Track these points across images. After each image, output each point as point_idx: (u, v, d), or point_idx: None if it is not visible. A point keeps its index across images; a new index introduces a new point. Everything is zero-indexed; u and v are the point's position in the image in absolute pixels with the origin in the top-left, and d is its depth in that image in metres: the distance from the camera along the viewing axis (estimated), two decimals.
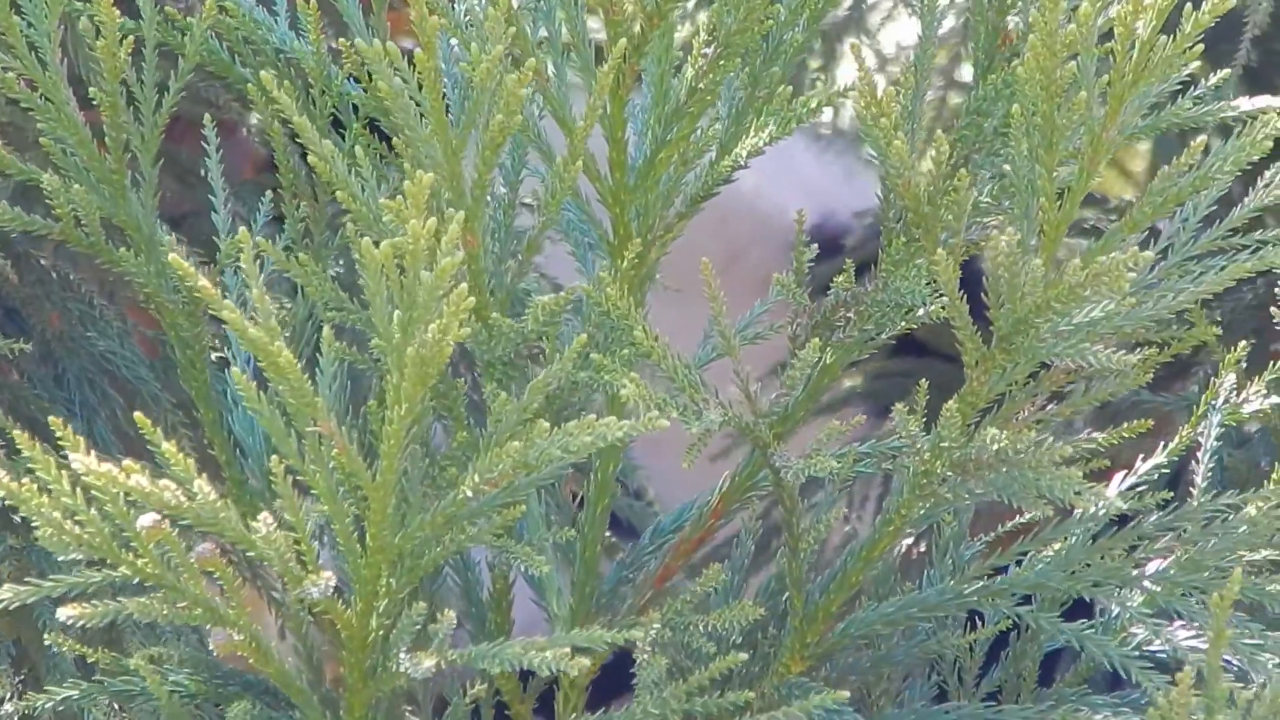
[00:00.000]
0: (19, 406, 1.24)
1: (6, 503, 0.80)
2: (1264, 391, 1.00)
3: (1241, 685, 0.85)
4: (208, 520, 0.81)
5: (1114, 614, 0.96)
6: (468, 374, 1.09)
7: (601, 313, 0.93)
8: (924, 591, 0.98)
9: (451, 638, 0.86)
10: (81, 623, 0.83)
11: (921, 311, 0.97)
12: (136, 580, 0.83)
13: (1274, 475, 0.96)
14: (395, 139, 0.90)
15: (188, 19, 1.00)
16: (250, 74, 1.00)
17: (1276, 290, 1.02)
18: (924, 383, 0.95)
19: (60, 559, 0.82)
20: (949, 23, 1.70)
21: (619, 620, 0.99)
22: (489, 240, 0.94)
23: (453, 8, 0.94)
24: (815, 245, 1.02)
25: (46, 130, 0.97)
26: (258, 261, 0.94)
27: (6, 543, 1.16)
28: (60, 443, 0.81)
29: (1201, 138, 0.88)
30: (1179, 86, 0.91)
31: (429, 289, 0.79)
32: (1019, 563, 0.98)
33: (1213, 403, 1.00)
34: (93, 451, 0.81)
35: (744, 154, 0.96)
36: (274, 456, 0.83)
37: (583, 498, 1.01)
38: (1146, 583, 0.95)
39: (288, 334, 1.02)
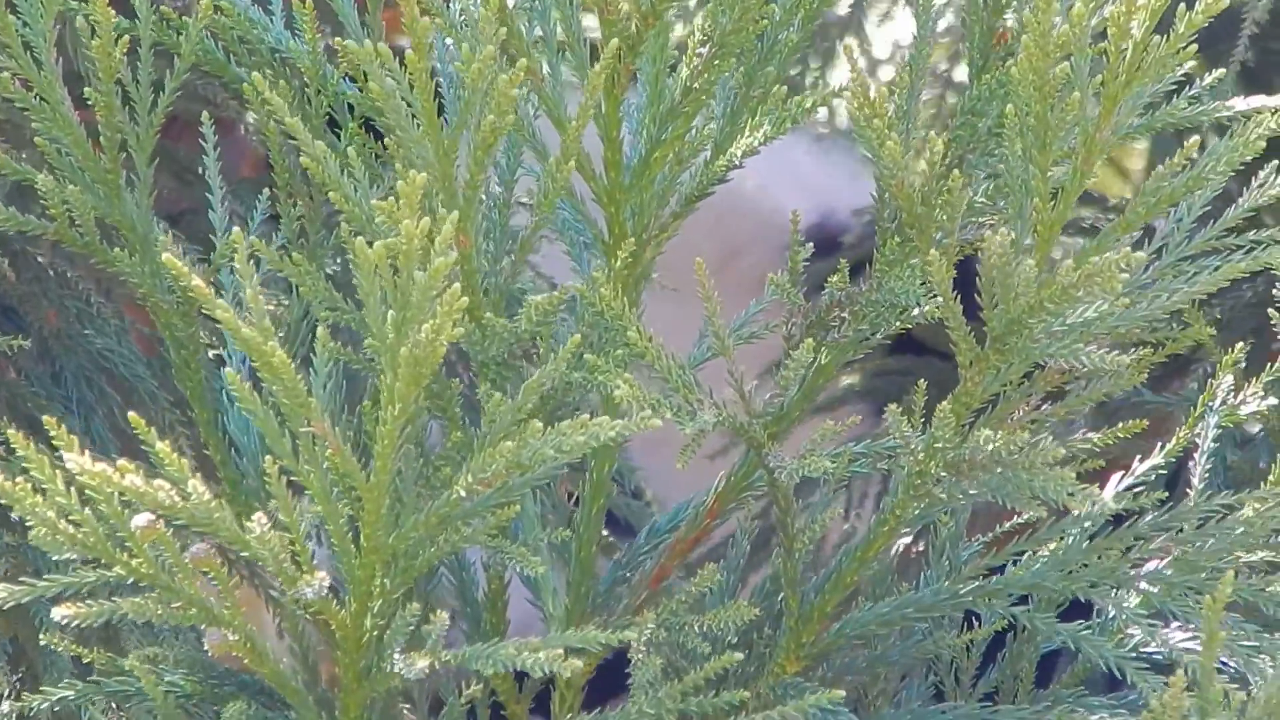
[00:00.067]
0: (16, 404, 1.24)
1: (1, 501, 0.80)
2: (1261, 393, 0.99)
3: (1238, 686, 0.85)
4: (202, 520, 0.81)
5: (1110, 614, 0.96)
6: (464, 374, 1.09)
7: (596, 313, 0.93)
8: (920, 592, 0.98)
9: (447, 638, 0.86)
10: (76, 622, 0.83)
11: (916, 311, 0.97)
12: (131, 580, 0.83)
13: (1271, 476, 0.96)
14: (387, 139, 0.90)
15: (183, 18, 1.00)
16: (246, 74, 1.00)
17: (1275, 290, 1.02)
18: (922, 382, 0.95)
19: (56, 558, 0.83)
20: (947, 21, 1.71)
21: (614, 621, 0.99)
22: (483, 240, 0.94)
23: (447, 7, 0.94)
24: (812, 245, 1.02)
25: (41, 130, 0.97)
26: (253, 261, 0.94)
27: (3, 539, 1.16)
28: (54, 442, 0.81)
29: (1195, 138, 0.87)
30: (1174, 86, 0.91)
31: (422, 289, 0.79)
32: (1015, 563, 0.98)
33: (1210, 404, 1.00)
34: (87, 451, 0.80)
35: (739, 153, 0.96)
36: (268, 457, 0.83)
37: (578, 497, 1.01)
38: (1143, 583, 0.95)
39: (282, 333, 1.02)
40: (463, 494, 0.84)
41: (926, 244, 0.90)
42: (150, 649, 0.95)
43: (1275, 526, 0.94)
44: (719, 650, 0.93)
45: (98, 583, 0.84)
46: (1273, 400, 0.99)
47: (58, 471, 0.81)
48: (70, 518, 0.82)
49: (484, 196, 0.95)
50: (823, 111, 1.86)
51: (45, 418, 0.81)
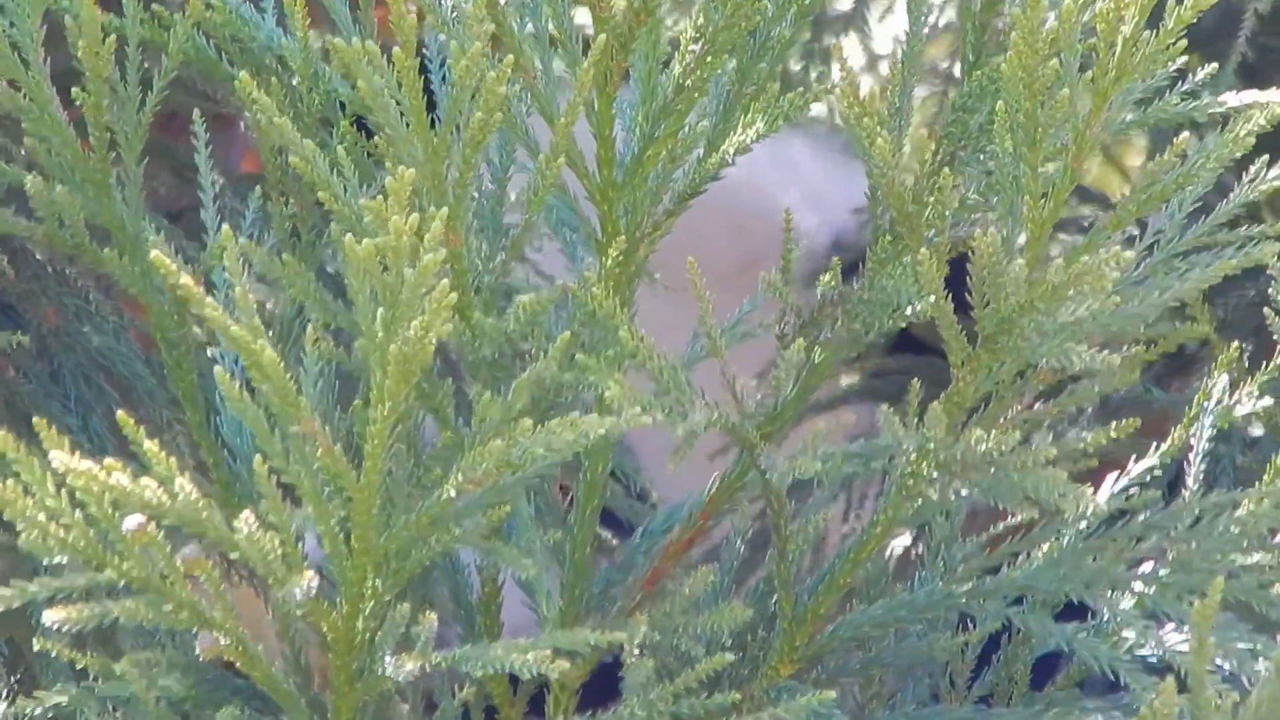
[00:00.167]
0: (14, 402, 1.24)
1: None
2: (1256, 392, 0.99)
3: (1230, 687, 0.84)
4: (190, 520, 0.81)
5: (1105, 616, 0.96)
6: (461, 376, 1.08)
7: (587, 312, 0.92)
8: (914, 593, 0.98)
9: (441, 640, 0.86)
10: (66, 626, 0.83)
11: (910, 310, 0.96)
12: (123, 583, 0.83)
13: (1266, 476, 0.96)
14: (377, 138, 0.90)
15: (174, 16, 1.00)
16: (237, 72, 1.00)
17: (1270, 291, 1.01)
18: (915, 382, 0.94)
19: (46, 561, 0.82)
20: (949, 17, 1.71)
21: (608, 622, 0.99)
22: (474, 239, 0.94)
23: (439, 3, 0.94)
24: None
25: (30, 130, 0.96)
26: (244, 259, 0.94)
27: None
28: (44, 444, 0.81)
29: (1185, 134, 0.87)
30: (1166, 82, 0.91)
31: (411, 286, 0.79)
32: (1010, 564, 0.97)
33: (1205, 403, 1.00)
34: (76, 452, 0.80)
35: (732, 151, 0.96)
36: (258, 456, 0.83)
37: (572, 497, 1.01)
38: (1137, 585, 0.94)
39: (271, 333, 1.02)
40: (453, 494, 0.83)
41: (917, 242, 0.90)
42: (144, 653, 0.95)
43: (1270, 526, 0.93)
44: (713, 653, 0.92)
45: (89, 586, 0.84)
46: (1269, 400, 0.99)
47: (48, 473, 0.80)
48: (60, 521, 0.81)
49: (475, 194, 0.94)
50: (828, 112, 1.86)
51: (35, 418, 0.81)
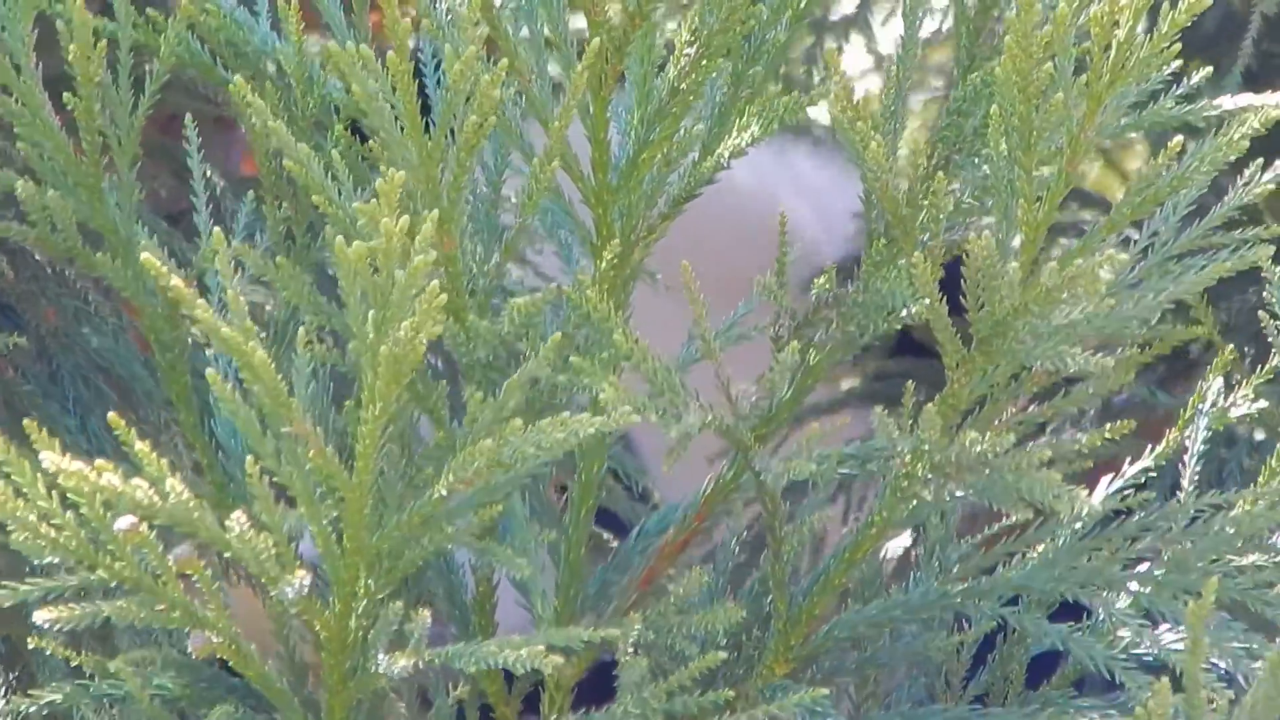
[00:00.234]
0: (13, 403, 1.24)
1: None
2: (1251, 395, 0.99)
3: (1226, 686, 0.84)
4: (181, 520, 0.81)
5: (1101, 616, 0.96)
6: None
7: (582, 314, 0.93)
8: (909, 593, 0.98)
9: (437, 640, 0.86)
10: (59, 626, 0.83)
11: (904, 313, 0.96)
12: (115, 583, 0.83)
13: (1261, 477, 0.96)
14: (371, 141, 0.90)
15: (167, 20, 1.00)
16: (231, 76, 1.00)
17: (1265, 294, 1.01)
18: (910, 384, 0.94)
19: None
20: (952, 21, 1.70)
21: (602, 621, 0.99)
22: (469, 242, 0.94)
23: (434, 8, 0.94)
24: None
25: (23, 135, 0.97)
26: (238, 261, 0.94)
27: None
28: (35, 445, 0.81)
29: (1178, 138, 0.87)
30: (1164, 86, 0.91)
31: (401, 287, 0.79)
32: (1006, 564, 0.97)
33: (1200, 406, 1.00)
34: (68, 453, 0.80)
35: (726, 154, 0.96)
36: (249, 457, 0.83)
37: (567, 499, 1.01)
38: (1133, 584, 0.94)
39: (263, 334, 1.02)
40: (444, 493, 0.84)
41: (911, 245, 0.90)
42: (138, 652, 0.95)
43: (1265, 526, 0.93)
44: (708, 652, 0.92)
45: (81, 585, 0.84)
46: (1264, 403, 0.99)
47: (39, 474, 0.81)
48: (52, 521, 0.82)
49: (470, 198, 0.95)
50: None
51: (25, 420, 0.81)
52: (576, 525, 1.00)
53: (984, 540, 1.01)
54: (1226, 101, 0.92)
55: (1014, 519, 0.99)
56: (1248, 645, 0.91)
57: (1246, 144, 0.87)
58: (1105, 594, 0.94)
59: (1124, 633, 0.94)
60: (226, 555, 0.85)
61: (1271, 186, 0.93)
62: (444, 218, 0.89)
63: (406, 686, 1.02)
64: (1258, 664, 0.89)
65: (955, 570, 0.98)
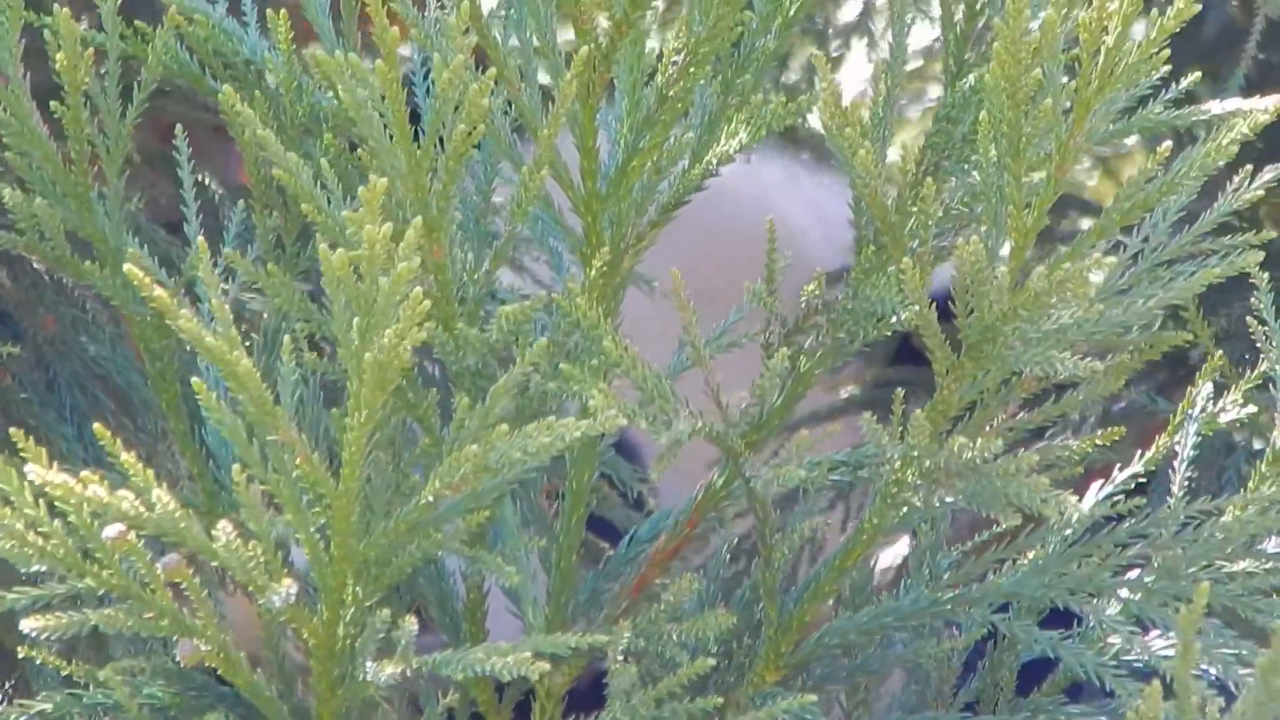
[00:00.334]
0: (10, 411, 1.24)
1: None
2: (1240, 400, 0.99)
3: (1216, 693, 0.84)
4: (167, 530, 0.81)
5: (1091, 622, 0.96)
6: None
7: (571, 322, 0.93)
8: (899, 600, 0.98)
9: (426, 648, 0.86)
10: (47, 635, 0.83)
11: (894, 320, 0.96)
12: (103, 591, 0.84)
13: (1250, 482, 0.96)
14: (360, 150, 0.91)
15: (155, 29, 1.00)
16: (220, 85, 1.00)
17: (1252, 300, 1.01)
18: (900, 391, 0.94)
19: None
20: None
21: (592, 629, 0.99)
22: (458, 250, 0.94)
23: (422, 17, 0.94)
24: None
25: (10, 144, 0.97)
26: (229, 270, 0.94)
27: None
28: (22, 454, 0.81)
29: (1166, 144, 0.87)
30: (1165, 93, 0.90)
31: (385, 294, 0.80)
32: (996, 571, 0.97)
33: (1190, 411, 1.00)
34: (55, 463, 0.81)
35: (715, 161, 0.96)
36: (236, 465, 0.83)
37: (557, 507, 1.01)
38: (1123, 591, 0.94)
39: (258, 341, 1.02)
40: (431, 499, 0.84)
41: (900, 252, 0.90)
42: (128, 661, 0.95)
43: (1254, 532, 0.93)
44: (698, 659, 0.92)
45: (69, 594, 0.85)
46: (1253, 408, 0.98)
47: (25, 483, 0.81)
48: (40, 529, 0.82)
49: (459, 206, 0.95)
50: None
51: (11, 429, 0.81)
52: (567, 532, 1.00)
53: (975, 547, 1.01)
54: (1214, 106, 0.92)
55: (1004, 525, 0.99)
56: (1238, 652, 0.91)
57: (1236, 149, 0.86)
58: (1095, 600, 0.94)
59: (1114, 639, 0.94)
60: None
61: (1262, 192, 0.93)
62: (433, 226, 0.89)
63: (397, 694, 1.02)
64: (1248, 670, 0.89)
65: (946, 577, 0.98)
